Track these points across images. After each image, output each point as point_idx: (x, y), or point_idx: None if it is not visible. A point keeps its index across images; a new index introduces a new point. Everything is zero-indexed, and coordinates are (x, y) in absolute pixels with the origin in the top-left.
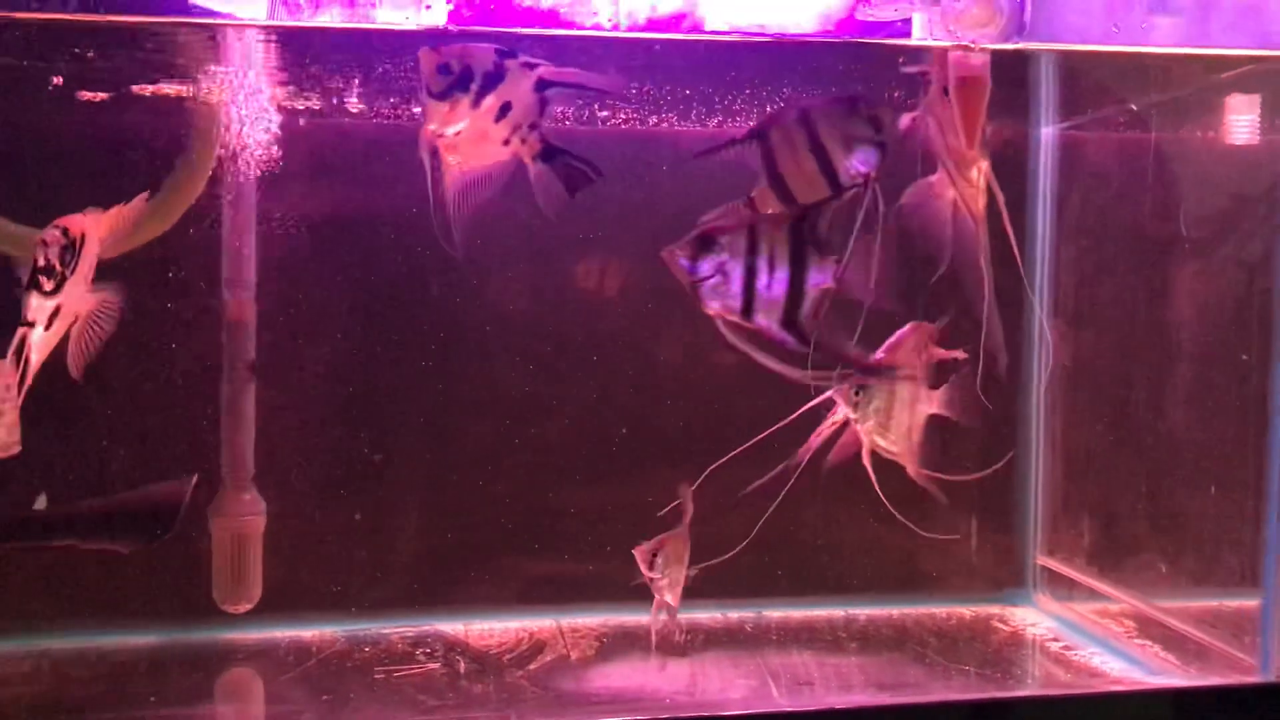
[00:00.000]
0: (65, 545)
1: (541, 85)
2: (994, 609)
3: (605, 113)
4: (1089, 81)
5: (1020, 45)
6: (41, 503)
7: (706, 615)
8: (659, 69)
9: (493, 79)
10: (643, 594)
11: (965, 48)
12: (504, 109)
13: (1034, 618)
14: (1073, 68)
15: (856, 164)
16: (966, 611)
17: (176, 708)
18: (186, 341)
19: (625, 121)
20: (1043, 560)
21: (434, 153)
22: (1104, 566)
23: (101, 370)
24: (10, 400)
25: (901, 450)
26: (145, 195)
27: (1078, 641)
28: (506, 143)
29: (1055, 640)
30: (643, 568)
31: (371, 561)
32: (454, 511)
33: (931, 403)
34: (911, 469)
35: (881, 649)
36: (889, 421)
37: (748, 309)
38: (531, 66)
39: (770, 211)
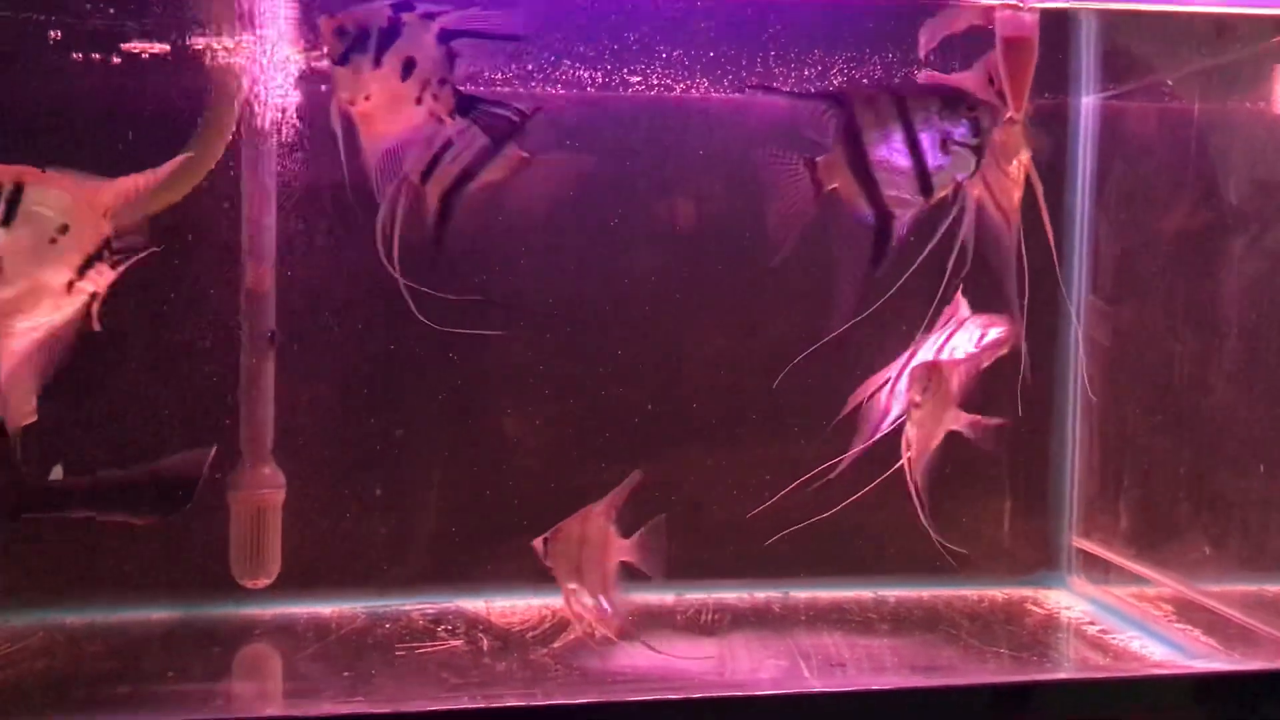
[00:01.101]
0: (82, 517)
1: (445, 36)
2: (1027, 592)
3: (636, 79)
4: (1132, 48)
5: (1070, 4)
6: (57, 473)
7: (733, 595)
8: (683, 32)
9: (389, 35)
10: (669, 573)
11: (1014, 6)
12: (408, 66)
13: (1068, 601)
14: (1115, 34)
15: (952, 170)
16: (998, 594)
17: (195, 683)
18: (205, 312)
19: (652, 89)
20: (1078, 542)
21: (348, 123)
22: (1143, 549)
23: (118, 340)
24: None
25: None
26: (178, 160)
27: (1115, 625)
28: (419, 101)
29: (1092, 624)
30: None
31: (392, 537)
32: (475, 488)
33: (958, 421)
34: (913, 473)
35: (913, 631)
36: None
37: None
38: (431, 17)
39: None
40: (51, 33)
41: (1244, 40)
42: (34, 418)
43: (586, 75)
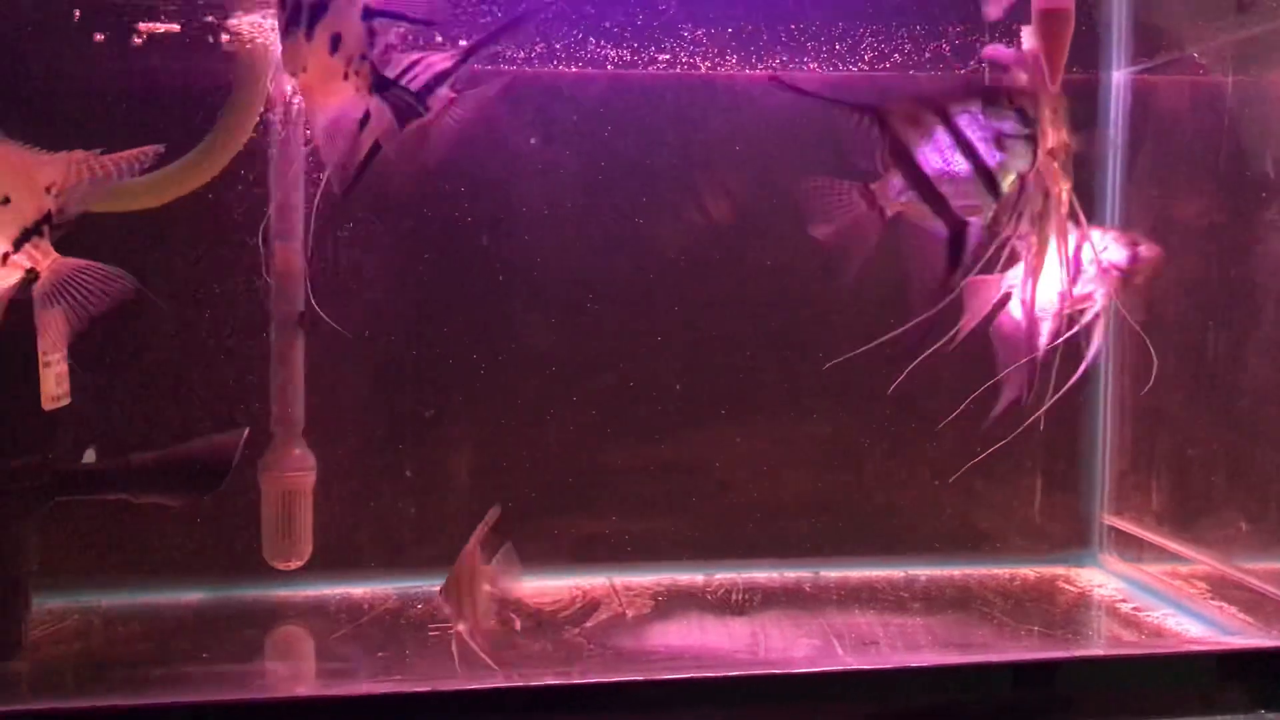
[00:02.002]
0: (116, 499)
1: (367, 15)
2: (1058, 570)
3: (665, 56)
4: (1163, 21)
5: None
6: (90, 456)
7: (763, 575)
8: (713, 6)
9: (318, 10)
10: (696, 552)
11: None
12: (335, 41)
13: (1100, 579)
14: (1146, 6)
15: (1011, 163)
16: (1030, 572)
17: (230, 664)
18: (235, 293)
19: (681, 66)
20: (1110, 520)
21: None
22: (1176, 526)
23: (149, 322)
24: (60, 350)
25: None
26: (149, 149)
27: (1149, 603)
28: (346, 77)
29: (1125, 601)
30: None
31: (422, 518)
32: (505, 468)
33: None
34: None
35: (945, 609)
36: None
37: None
38: None
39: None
40: (76, 11)
41: (1275, 12)
42: (67, 400)
43: (611, 53)
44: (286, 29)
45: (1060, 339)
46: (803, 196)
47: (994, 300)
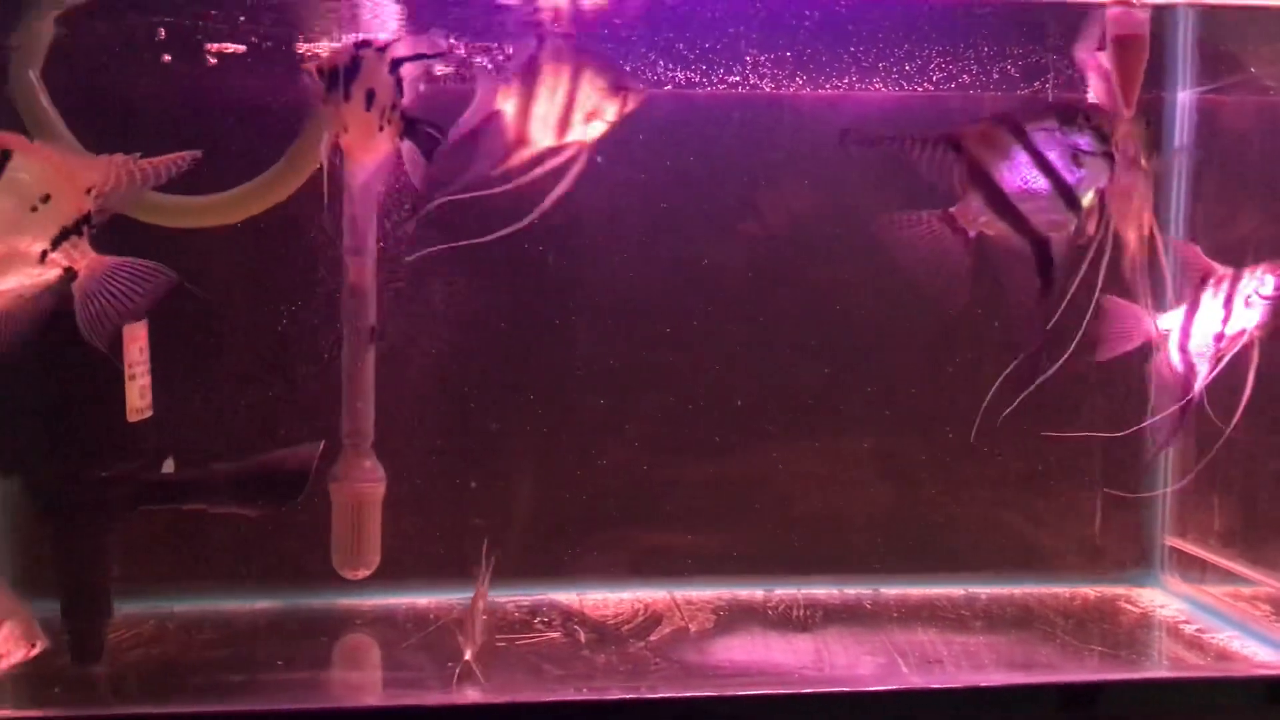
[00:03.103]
0: (195, 509)
1: (394, 65)
2: (1119, 590)
3: (735, 77)
4: (1229, 42)
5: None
6: (169, 466)
7: (823, 591)
8: (780, 29)
9: (352, 71)
10: (756, 567)
11: (1126, 3)
12: (369, 96)
13: (1162, 599)
14: (1212, 27)
15: (1089, 180)
16: (1090, 592)
17: (306, 671)
18: (308, 307)
19: (747, 86)
20: (1171, 541)
21: (337, 156)
22: (1241, 547)
23: (223, 334)
24: (143, 364)
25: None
26: (185, 155)
27: (1213, 624)
28: (381, 129)
29: (1188, 622)
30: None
31: (486, 529)
32: (568, 481)
33: None
34: None
35: (1007, 628)
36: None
37: None
38: (385, 48)
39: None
40: (160, 31)
41: None
42: (150, 412)
43: (680, 75)
44: (326, 94)
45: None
46: (882, 231)
47: (1135, 329)
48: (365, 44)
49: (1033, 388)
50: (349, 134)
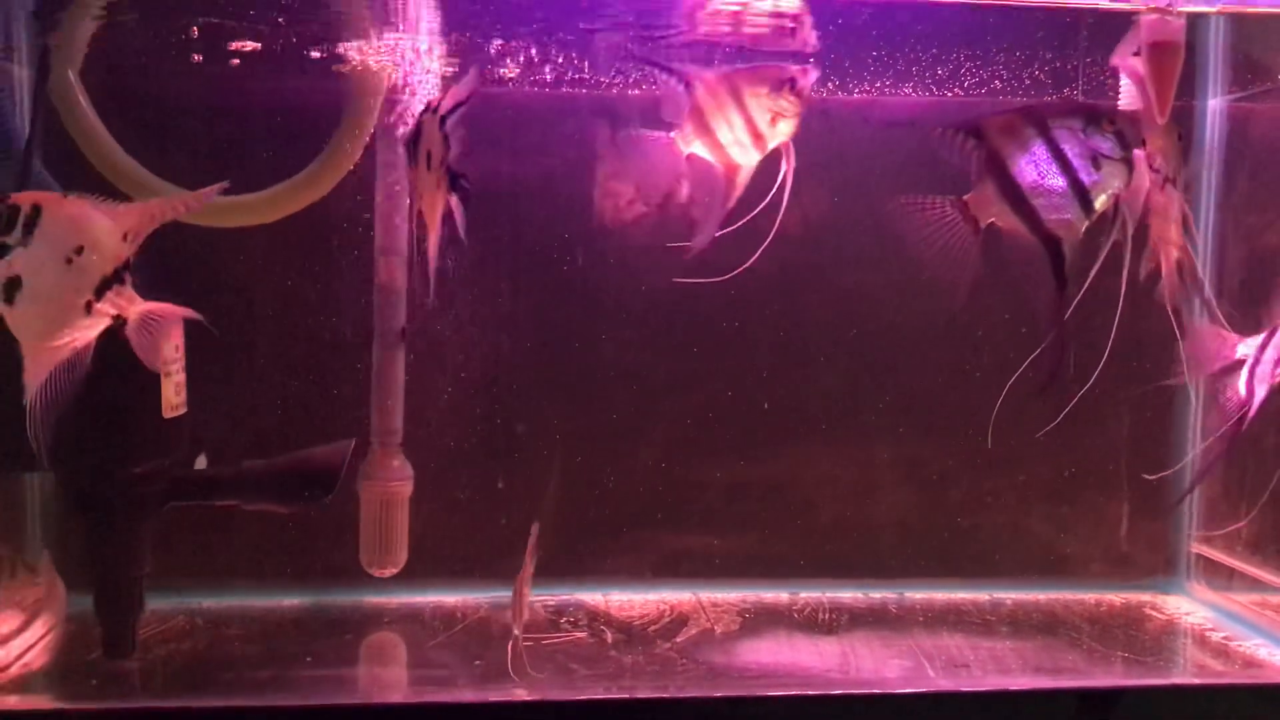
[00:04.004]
0: (227, 505)
1: (442, 123)
2: (1144, 596)
3: None
4: (1261, 50)
5: (1216, 8)
6: (201, 463)
7: (848, 595)
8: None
9: (416, 137)
10: (781, 570)
11: (1162, 10)
12: (429, 158)
13: (1188, 606)
14: (1243, 35)
15: (1106, 184)
16: (1116, 598)
17: (333, 669)
18: (340, 307)
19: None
20: (1197, 548)
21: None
22: (1268, 555)
23: (255, 334)
24: (178, 361)
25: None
26: (214, 189)
27: (1239, 632)
28: (438, 185)
29: (1214, 630)
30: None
31: (513, 529)
32: (594, 482)
33: None
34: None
35: (1033, 633)
36: None
37: None
38: (436, 108)
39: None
40: (193, 30)
41: None
42: (184, 409)
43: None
44: (411, 166)
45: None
46: (895, 214)
47: (1220, 351)
48: (425, 110)
49: (1072, 401)
50: (424, 199)
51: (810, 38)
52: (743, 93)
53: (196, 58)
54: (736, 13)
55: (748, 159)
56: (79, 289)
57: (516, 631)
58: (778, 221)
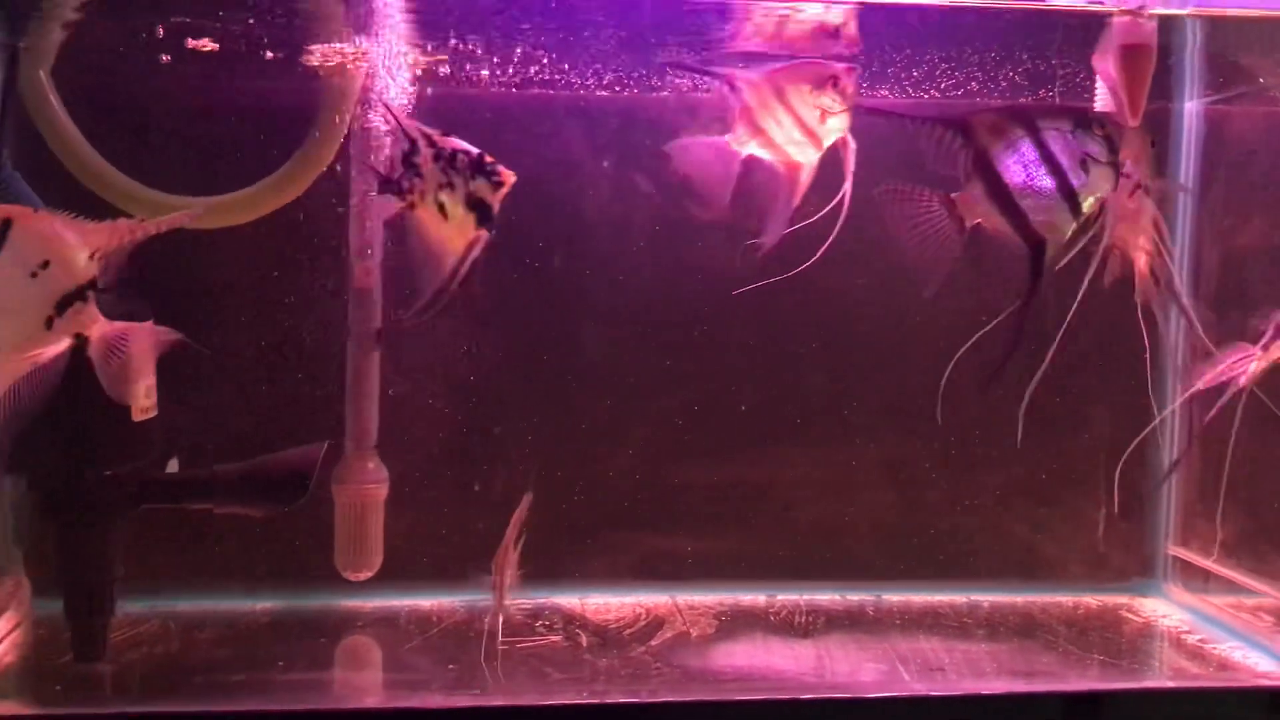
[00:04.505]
0: (200, 509)
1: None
2: (1122, 599)
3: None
4: (1237, 52)
5: (1188, 10)
6: (173, 466)
7: (825, 597)
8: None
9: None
10: (758, 573)
11: (1134, 12)
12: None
13: (1165, 609)
14: (1219, 37)
15: (1093, 187)
16: (1093, 601)
17: (307, 673)
18: (313, 309)
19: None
20: (1174, 550)
21: None
22: (1244, 558)
23: (229, 336)
24: (149, 363)
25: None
26: (188, 213)
27: (1215, 634)
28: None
29: (1190, 632)
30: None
31: (489, 532)
32: (570, 485)
33: None
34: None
35: (1009, 636)
36: None
37: None
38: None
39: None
40: (164, 31)
41: None
42: (154, 412)
43: (682, 79)
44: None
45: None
46: (882, 200)
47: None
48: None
49: (1024, 403)
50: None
51: (854, 39)
52: (786, 91)
53: (166, 58)
54: (780, 19)
55: (806, 157)
56: (41, 303)
57: (497, 607)
58: (841, 216)
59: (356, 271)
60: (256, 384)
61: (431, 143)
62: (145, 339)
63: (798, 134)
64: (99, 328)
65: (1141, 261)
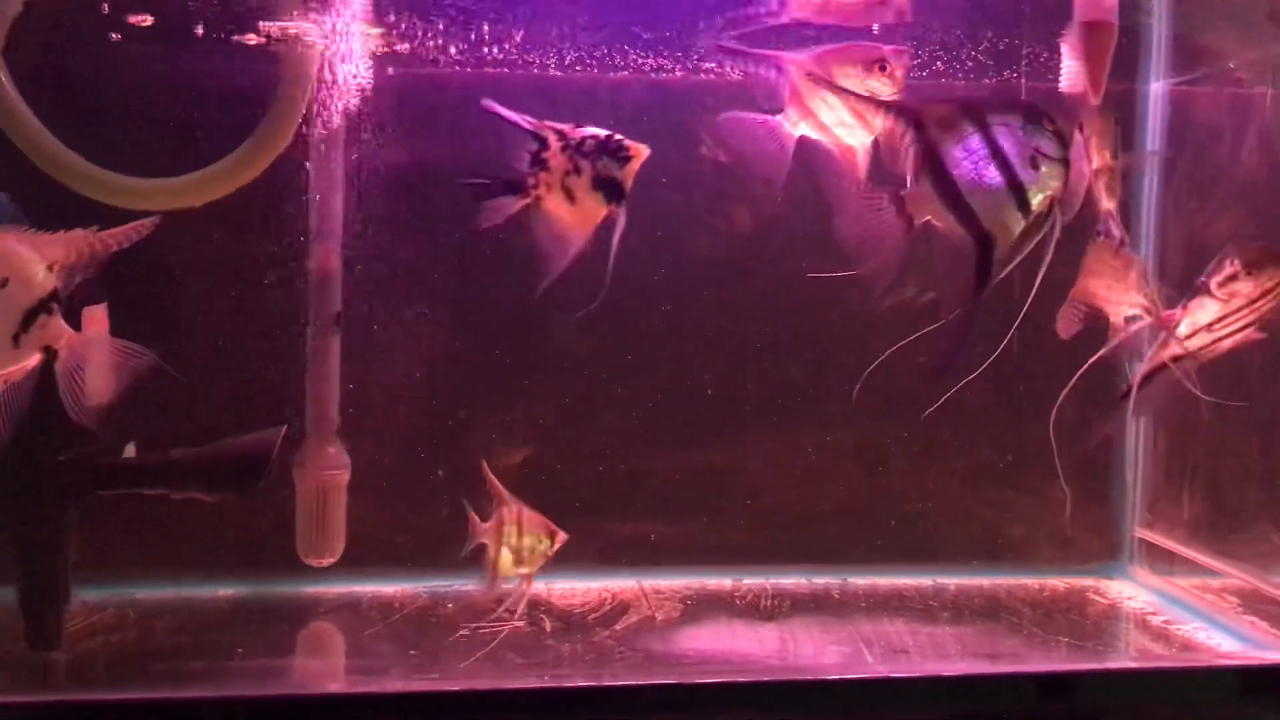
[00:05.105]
0: (156, 494)
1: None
2: (1088, 582)
3: (709, 65)
4: (1203, 33)
5: None
6: (130, 451)
7: (792, 581)
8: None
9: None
10: (725, 557)
11: None
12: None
13: (1130, 591)
14: (1186, 18)
15: (1043, 184)
16: (1059, 584)
17: (266, 659)
18: (272, 293)
19: (716, 72)
20: (1141, 533)
21: None
22: (1209, 540)
23: (188, 321)
24: (100, 318)
25: None
26: (146, 223)
27: (1179, 616)
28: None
29: (1155, 614)
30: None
31: (454, 518)
32: (536, 470)
33: None
34: None
35: (974, 619)
36: None
37: None
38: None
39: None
40: (119, 9)
41: None
42: (111, 396)
43: (649, 60)
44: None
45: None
46: (832, 195)
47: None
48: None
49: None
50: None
51: (903, 8)
52: (833, 74)
53: (116, 36)
54: None
55: (857, 139)
56: (3, 321)
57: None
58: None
59: (316, 253)
60: (216, 368)
61: (561, 135)
62: (118, 355)
63: (847, 116)
64: (67, 339)
65: (1119, 317)
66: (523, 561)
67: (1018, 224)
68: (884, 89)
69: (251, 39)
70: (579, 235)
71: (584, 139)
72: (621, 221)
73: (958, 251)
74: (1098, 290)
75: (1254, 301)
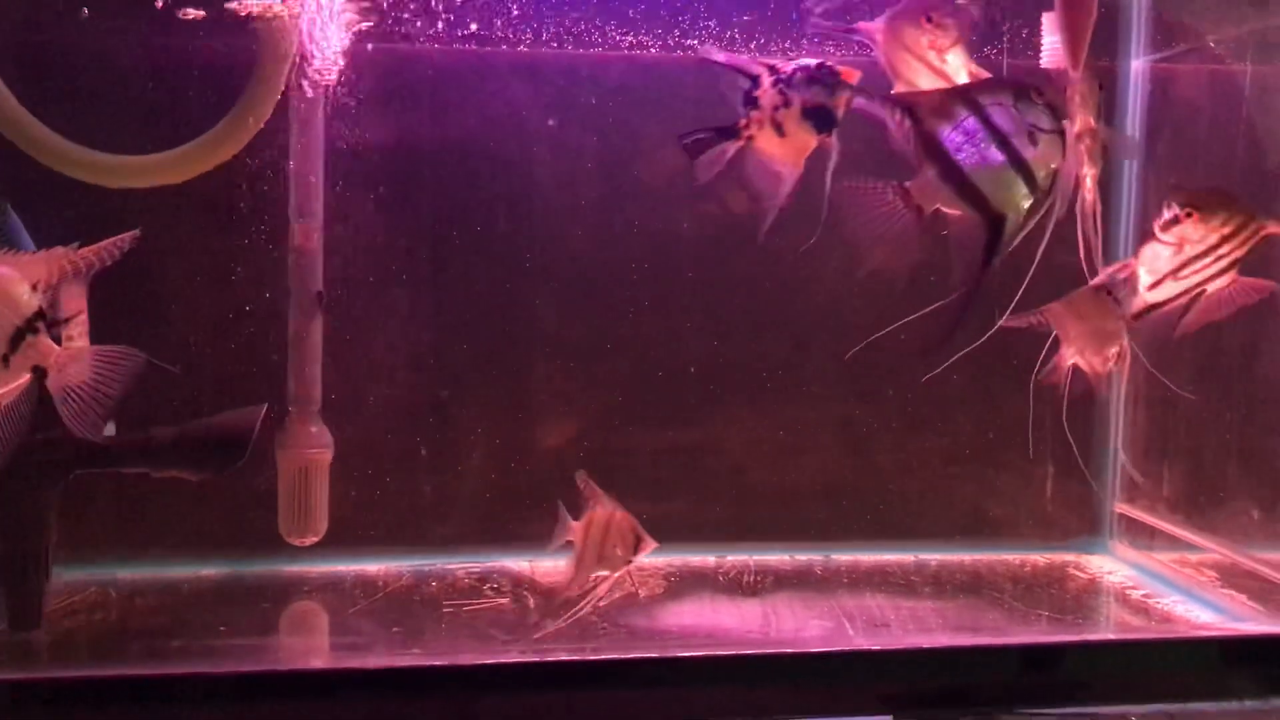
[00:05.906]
0: (136, 473)
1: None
2: (1068, 557)
3: (690, 40)
4: (1182, 10)
5: None
6: (110, 430)
7: (775, 557)
8: None
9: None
10: (708, 534)
11: None
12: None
13: (1111, 565)
14: None
15: (1044, 157)
16: (1040, 559)
17: (248, 638)
18: (253, 271)
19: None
20: (1121, 508)
21: None
22: (1188, 514)
23: (168, 300)
24: (81, 325)
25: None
26: (126, 237)
27: (1159, 589)
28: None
29: (1135, 588)
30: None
31: (437, 497)
32: (519, 448)
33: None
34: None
35: (956, 594)
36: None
37: None
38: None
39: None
40: None
41: None
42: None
43: (630, 37)
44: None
45: None
46: (836, 200)
47: None
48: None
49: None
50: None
51: None
52: (903, 35)
53: (85, 11)
54: None
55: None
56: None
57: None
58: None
59: (296, 231)
60: (197, 347)
61: (773, 70)
62: (110, 362)
63: (925, 77)
64: (56, 357)
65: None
66: (604, 562)
67: (1026, 200)
68: (941, 35)
69: (226, 13)
70: (792, 169)
71: (794, 71)
72: (835, 152)
73: (962, 232)
74: (1082, 336)
75: (1215, 248)
